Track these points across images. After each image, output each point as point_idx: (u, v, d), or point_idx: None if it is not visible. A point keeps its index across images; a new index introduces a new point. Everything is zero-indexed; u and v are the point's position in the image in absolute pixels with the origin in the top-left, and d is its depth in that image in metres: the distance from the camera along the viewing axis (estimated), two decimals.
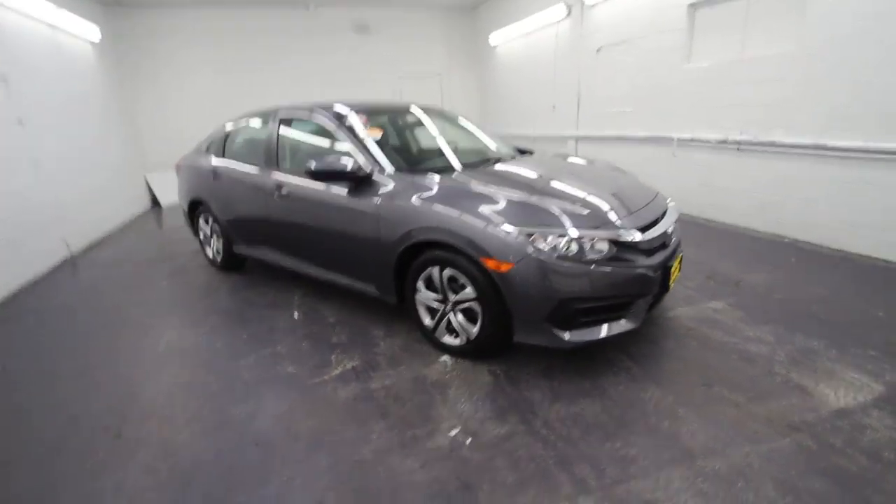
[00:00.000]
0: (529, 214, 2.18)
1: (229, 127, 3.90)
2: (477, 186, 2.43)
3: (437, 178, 2.56)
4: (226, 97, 8.03)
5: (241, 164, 3.58)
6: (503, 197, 2.30)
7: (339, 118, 2.97)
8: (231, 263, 4.05)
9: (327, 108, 3.08)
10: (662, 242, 2.36)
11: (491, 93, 9.29)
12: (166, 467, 1.85)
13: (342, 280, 3.00)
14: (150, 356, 2.76)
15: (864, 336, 2.47)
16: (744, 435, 1.83)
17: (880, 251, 3.44)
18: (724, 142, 4.50)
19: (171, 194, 7.76)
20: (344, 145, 2.87)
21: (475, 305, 2.29)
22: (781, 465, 1.68)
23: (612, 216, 2.24)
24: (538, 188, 2.47)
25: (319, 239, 3.01)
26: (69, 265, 4.69)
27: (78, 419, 2.20)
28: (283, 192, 3.10)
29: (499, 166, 2.90)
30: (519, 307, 2.13)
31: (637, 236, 2.19)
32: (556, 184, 2.55)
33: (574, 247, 2.09)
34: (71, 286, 4.10)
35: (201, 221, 4.13)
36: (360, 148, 2.79)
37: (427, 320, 2.57)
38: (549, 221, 2.13)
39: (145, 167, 7.81)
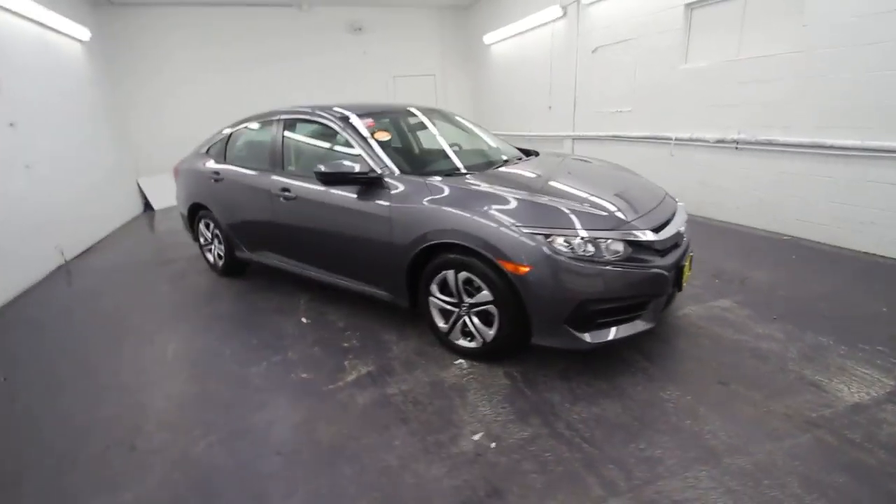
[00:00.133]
0: (545, 216, 2.18)
1: (231, 130, 3.84)
2: (490, 188, 2.42)
3: (448, 180, 2.55)
4: (218, 98, 7.93)
5: (244, 167, 3.53)
6: (517, 199, 2.30)
7: (347, 121, 2.94)
8: (233, 268, 3.99)
9: (333, 111, 3.05)
10: (675, 242, 2.38)
11: (485, 93, 9.30)
12: (186, 480, 1.81)
13: (351, 284, 2.97)
14: (157, 364, 2.71)
15: (870, 332, 2.52)
16: (764, 432, 1.86)
17: (880, 248, 3.51)
18: (722, 141, 4.56)
19: (163, 198, 7.67)
20: (352, 148, 2.85)
21: (492, 308, 2.28)
22: (804, 461, 1.70)
23: (627, 217, 2.25)
24: (551, 190, 2.47)
25: (328, 243, 2.98)
26: (64, 272, 4.58)
27: (88, 430, 2.15)
28: (290, 195, 3.07)
29: (509, 168, 2.90)
30: (538, 309, 2.13)
31: (652, 236, 2.21)
32: (568, 185, 2.55)
33: (591, 248, 2.09)
34: (68, 293, 4.01)
35: (201, 226, 4.07)
36: (369, 151, 2.77)
37: (441, 323, 2.56)
38: (566, 223, 2.14)
39: (137, 170, 7.67)
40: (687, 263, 2.44)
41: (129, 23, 7.24)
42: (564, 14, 6.50)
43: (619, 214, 2.25)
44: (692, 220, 4.84)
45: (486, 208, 2.26)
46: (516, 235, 2.12)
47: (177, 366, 2.68)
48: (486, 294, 2.27)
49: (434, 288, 2.49)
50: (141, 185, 7.59)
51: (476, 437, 1.92)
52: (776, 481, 1.62)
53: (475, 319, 2.39)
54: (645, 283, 2.16)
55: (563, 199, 2.32)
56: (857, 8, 3.38)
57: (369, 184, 2.67)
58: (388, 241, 2.58)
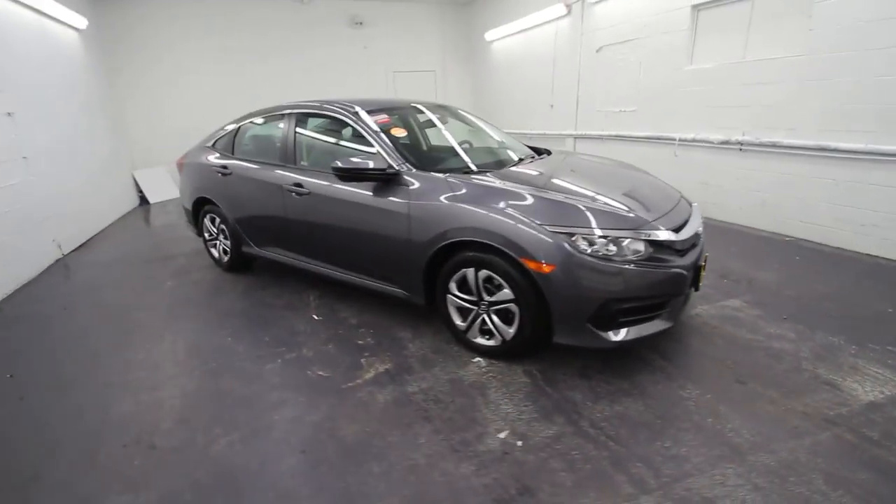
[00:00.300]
0: (568, 215, 2.19)
1: (239, 124, 3.78)
2: (511, 186, 2.43)
3: (468, 177, 2.54)
4: (217, 90, 7.83)
5: (253, 161, 3.48)
6: (539, 197, 2.31)
7: (362, 117, 2.92)
8: (238, 264, 3.94)
9: (348, 107, 3.03)
10: (693, 242, 2.41)
11: (486, 90, 9.29)
12: (211, 479, 1.79)
13: (365, 282, 2.96)
14: (169, 361, 2.67)
15: (879, 332, 2.57)
16: (785, 430, 1.89)
17: (882, 250, 3.58)
18: (726, 142, 4.61)
19: (160, 192, 7.56)
20: (368, 144, 2.83)
21: (512, 307, 2.28)
22: (826, 458, 1.74)
23: (648, 216, 2.27)
24: (572, 189, 2.48)
25: (341, 239, 2.96)
26: (61, 267, 4.49)
27: (103, 428, 2.12)
28: (303, 191, 3.03)
29: (525, 166, 2.90)
30: (561, 308, 2.14)
31: (673, 236, 2.23)
32: (590, 185, 2.56)
33: (613, 247, 2.10)
34: (69, 288, 3.93)
35: (207, 221, 4.01)
36: (386, 147, 2.75)
37: (458, 321, 2.55)
38: (589, 222, 2.14)
39: (133, 163, 7.53)
40: (703, 263, 2.47)
41: (126, 12, 7.09)
42: (569, 12, 6.51)
43: (641, 214, 2.27)
44: None
45: (507, 206, 2.26)
46: (540, 234, 2.12)
47: (190, 363, 2.65)
48: (507, 292, 2.27)
49: (452, 286, 2.49)
50: (137, 178, 7.46)
51: (502, 436, 1.92)
52: (801, 478, 1.65)
53: (495, 318, 2.39)
54: (666, 283, 2.17)
55: (585, 198, 2.33)
56: (864, 13, 3.43)
57: (386, 180, 2.65)
58: (406, 238, 2.56)
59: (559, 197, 2.32)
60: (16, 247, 3.98)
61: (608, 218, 2.18)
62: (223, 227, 3.84)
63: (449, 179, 2.51)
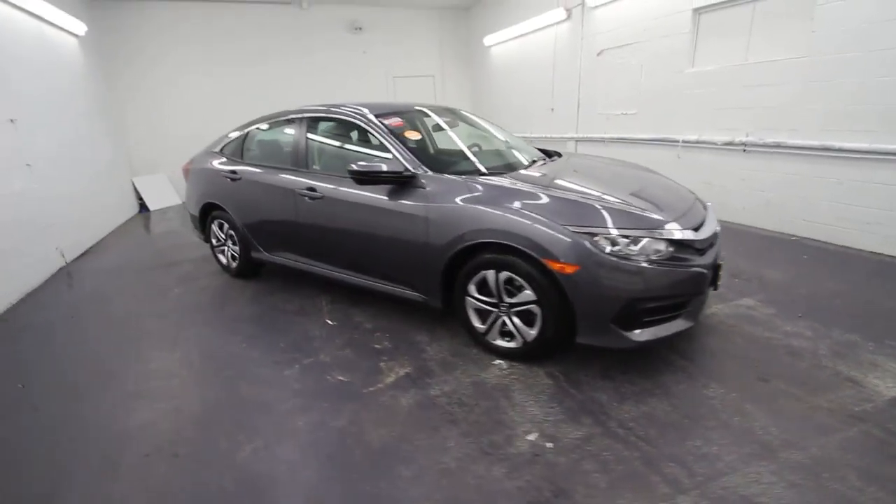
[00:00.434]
0: (589, 215, 2.19)
1: (247, 129, 3.76)
2: (529, 188, 2.43)
3: (484, 180, 2.54)
4: (217, 96, 7.81)
5: (264, 166, 3.47)
6: (559, 198, 2.32)
7: (376, 120, 2.92)
8: (247, 270, 3.91)
9: (361, 110, 3.02)
10: (711, 242, 2.42)
11: (485, 94, 9.33)
12: (239, 487, 1.76)
13: (380, 286, 2.94)
14: (184, 368, 2.64)
15: (893, 329, 2.59)
16: (813, 427, 1.89)
17: (885, 247, 3.62)
18: (730, 143, 4.66)
19: (160, 198, 7.50)
20: (382, 147, 2.82)
21: (534, 308, 2.28)
22: (857, 453, 1.74)
23: (668, 217, 2.27)
24: (590, 190, 2.47)
25: (356, 243, 2.95)
26: (65, 275, 4.43)
27: (123, 438, 2.08)
28: (316, 195, 3.02)
29: (541, 168, 2.91)
30: (585, 309, 2.14)
31: (693, 235, 2.24)
32: (607, 186, 2.57)
33: (635, 247, 2.11)
34: (75, 297, 3.87)
35: (214, 227, 3.97)
36: (401, 150, 2.75)
37: (478, 324, 2.54)
38: (611, 222, 2.15)
39: (132, 169, 7.46)
40: (721, 263, 2.48)
41: (125, 18, 7.05)
42: (569, 17, 6.56)
43: (660, 214, 2.28)
44: None
45: (528, 207, 2.26)
46: (563, 235, 2.13)
47: (205, 370, 2.61)
48: (528, 294, 2.27)
49: (472, 288, 2.48)
50: (136, 185, 7.39)
51: (531, 438, 1.91)
52: (835, 474, 1.65)
53: (516, 319, 2.38)
54: (687, 282, 2.18)
55: (605, 199, 2.33)
56: (867, 15, 3.49)
57: (403, 183, 2.64)
58: (424, 241, 2.56)
59: (579, 198, 2.33)
60: (20, 255, 3.92)
61: (629, 218, 2.19)
62: (232, 232, 3.81)
63: (468, 182, 2.51)
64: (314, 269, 3.32)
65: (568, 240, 2.12)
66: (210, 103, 7.76)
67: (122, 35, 7.10)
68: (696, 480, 1.66)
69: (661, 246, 2.15)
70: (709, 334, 2.66)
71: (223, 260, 4.06)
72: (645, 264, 2.09)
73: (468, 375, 2.39)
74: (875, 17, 3.44)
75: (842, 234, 3.91)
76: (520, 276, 2.27)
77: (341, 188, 2.92)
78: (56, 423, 2.24)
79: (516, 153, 3.35)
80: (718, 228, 2.53)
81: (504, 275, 2.33)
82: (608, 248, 2.09)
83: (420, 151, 2.90)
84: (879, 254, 3.67)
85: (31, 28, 4.79)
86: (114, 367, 2.70)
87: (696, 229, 2.31)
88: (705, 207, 2.70)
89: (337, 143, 3.25)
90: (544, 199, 2.32)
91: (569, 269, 2.11)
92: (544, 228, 2.16)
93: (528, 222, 2.21)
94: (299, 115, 3.33)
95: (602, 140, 6.38)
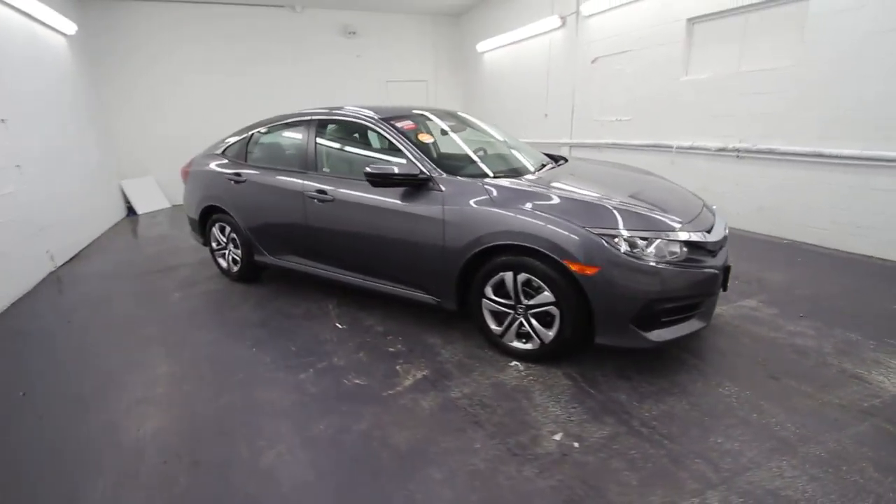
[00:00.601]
0: (607, 217, 2.23)
1: (251, 132, 3.72)
2: (545, 190, 2.46)
3: (499, 182, 2.56)
4: (207, 99, 7.71)
5: (270, 169, 3.43)
6: (576, 200, 2.36)
7: (388, 123, 2.92)
8: (249, 274, 3.85)
9: (373, 113, 3.02)
10: (721, 244, 2.48)
11: (477, 99, 9.41)
12: (269, 494, 1.73)
13: (391, 289, 2.93)
14: (194, 374, 2.58)
15: (892, 328, 2.70)
16: (827, 422, 1.96)
17: (878, 251, 3.77)
18: (723, 150, 4.80)
19: (148, 202, 7.35)
20: (395, 150, 2.83)
21: (553, 309, 2.31)
22: (871, 447, 1.81)
23: (682, 219, 2.33)
24: (604, 194, 2.51)
25: (367, 246, 2.93)
26: (55, 280, 4.29)
27: (136, 445, 2.02)
28: (326, 197, 3.00)
29: (552, 172, 2.95)
30: (605, 310, 2.17)
31: (707, 237, 2.30)
32: (619, 189, 2.61)
33: (652, 249, 2.16)
34: (71, 302, 3.75)
35: (215, 230, 3.91)
36: (414, 153, 2.75)
37: (494, 326, 2.56)
38: (628, 224, 2.19)
39: (119, 172, 7.28)
40: (730, 264, 2.55)
41: (115, 19, 6.91)
42: (563, 24, 6.68)
43: (676, 217, 2.33)
44: None
45: (546, 209, 2.30)
46: (582, 237, 2.16)
47: (216, 375, 2.56)
48: (547, 295, 2.29)
49: (488, 290, 2.49)
50: (124, 188, 7.21)
51: (557, 438, 1.93)
52: (853, 467, 1.71)
53: (533, 321, 2.40)
54: (702, 283, 2.24)
55: (620, 201, 2.38)
56: (858, 26, 3.65)
57: (418, 186, 2.65)
58: (440, 243, 2.56)
59: (595, 201, 2.36)
60: (10, 259, 3.79)
61: (645, 220, 2.24)
62: (234, 235, 3.75)
63: (484, 184, 2.53)
64: (321, 272, 3.29)
65: (588, 242, 2.15)
66: (201, 106, 7.65)
67: (111, 36, 6.95)
68: (722, 476, 1.70)
69: (677, 248, 2.21)
70: (716, 334, 2.73)
71: (223, 264, 4.00)
72: (662, 265, 2.14)
73: (486, 377, 2.40)
74: (865, 28, 3.60)
75: (835, 238, 4.05)
76: (538, 278, 2.30)
77: (353, 191, 2.91)
78: (63, 431, 2.17)
79: (523, 157, 3.38)
80: (727, 231, 2.59)
81: (522, 276, 2.35)
82: (627, 250, 2.13)
83: (434, 154, 2.91)
84: (872, 257, 3.81)
85: (21, 26, 4.66)
86: (118, 374, 2.63)
87: (707, 232, 2.37)
88: (712, 211, 2.77)
89: (347, 146, 3.24)
90: (561, 202, 2.35)
91: (589, 271, 2.14)
92: (564, 230, 2.19)
93: (548, 224, 2.23)
94: (307, 118, 3.31)
95: (596, 145, 6.49)
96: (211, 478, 1.82)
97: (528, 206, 2.34)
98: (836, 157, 3.90)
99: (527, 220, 2.29)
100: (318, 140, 3.22)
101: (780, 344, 2.59)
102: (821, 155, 4.00)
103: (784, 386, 2.22)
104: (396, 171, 2.59)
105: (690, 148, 5.14)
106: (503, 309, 2.48)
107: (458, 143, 3.31)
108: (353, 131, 3.23)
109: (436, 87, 9.67)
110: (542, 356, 2.46)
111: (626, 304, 2.14)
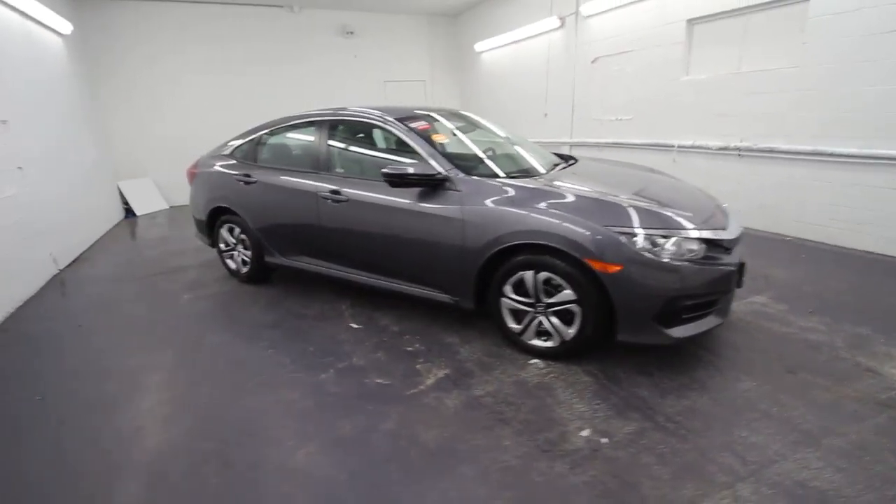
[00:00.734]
0: (628, 216, 2.26)
1: (259, 133, 3.70)
2: (564, 190, 2.49)
3: (517, 182, 2.59)
4: (205, 99, 7.66)
5: (281, 170, 3.42)
6: (595, 199, 2.39)
7: (404, 123, 2.93)
8: (259, 275, 3.84)
9: (387, 113, 3.03)
10: (736, 242, 2.53)
11: (475, 99, 9.44)
12: (302, 492, 1.73)
13: (407, 288, 2.94)
14: (213, 376, 2.57)
15: None
16: (846, 414, 2.00)
17: (878, 247, 3.85)
18: (725, 149, 4.87)
19: (147, 203, 7.28)
20: (410, 150, 2.83)
21: (573, 307, 2.33)
22: (891, 437, 1.86)
23: (700, 217, 2.37)
24: (622, 192, 2.54)
25: (383, 246, 2.94)
26: (59, 283, 4.23)
27: (164, 449, 2.01)
28: (341, 198, 3.00)
29: (566, 171, 2.98)
30: (627, 307, 2.20)
31: (724, 235, 2.34)
32: (635, 189, 2.64)
33: (673, 246, 2.19)
34: (77, 305, 3.71)
35: (224, 231, 3.88)
36: (431, 153, 2.77)
37: (513, 324, 2.58)
38: (648, 222, 2.22)
39: (117, 174, 7.19)
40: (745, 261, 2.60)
41: (111, 19, 6.83)
42: (562, 25, 6.73)
43: (693, 214, 2.37)
44: None
45: (566, 209, 2.32)
46: (604, 235, 2.19)
47: (237, 377, 2.55)
48: (568, 293, 2.32)
49: (508, 289, 2.51)
50: (122, 189, 7.12)
51: (585, 434, 1.96)
52: (876, 457, 1.76)
53: (553, 319, 2.43)
54: (721, 280, 2.28)
55: (638, 201, 2.41)
56: (856, 28, 3.73)
57: (435, 186, 2.66)
58: (459, 243, 2.58)
59: (614, 199, 2.39)
60: (14, 262, 3.73)
61: (664, 219, 2.27)
62: (243, 237, 3.74)
63: (503, 184, 2.55)
64: (335, 272, 3.29)
65: (609, 240, 2.18)
66: (198, 106, 7.58)
67: (107, 36, 6.86)
68: (750, 468, 1.74)
69: (695, 245, 2.24)
70: (730, 330, 2.77)
71: (232, 265, 3.97)
72: (683, 263, 2.17)
73: (508, 375, 2.42)
74: (864, 30, 3.68)
75: (835, 234, 4.14)
76: (559, 276, 2.32)
77: (368, 191, 2.91)
78: (87, 435, 2.15)
79: (534, 157, 3.40)
80: (742, 229, 2.64)
81: (543, 275, 2.38)
82: (648, 248, 2.17)
83: (449, 154, 2.92)
84: (872, 252, 3.90)
85: (18, 26, 4.58)
86: (136, 377, 2.61)
87: (723, 230, 2.41)
88: (724, 210, 2.82)
89: (361, 147, 3.24)
90: (580, 201, 2.38)
91: (612, 269, 2.17)
92: (586, 229, 2.22)
93: (569, 224, 2.26)
94: (319, 119, 3.30)
95: (597, 144, 6.55)
96: (243, 479, 1.82)
97: (547, 205, 2.37)
98: (836, 155, 3.98)
99: (548, 220, 2.31)
100: (331, 141, 3.22)
101: (793, 339, 2.65)
102: (821, 153, 4.08)
103: (801, 380, 2.27)
104: (414, 171, 2.60)
105: (692, 147, 5.21)
106: (523, 307, 2.51)
107: (468, 144, 3.33)
108: (366, 132, 3.24)
109: (433, 86, 9.68)
110: (561, 353, 2.48)
111: (649, 301, 2.17)
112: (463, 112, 3.85)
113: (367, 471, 1.82)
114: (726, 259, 2.33)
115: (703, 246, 2.26)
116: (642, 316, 2.20)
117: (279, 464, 1.89)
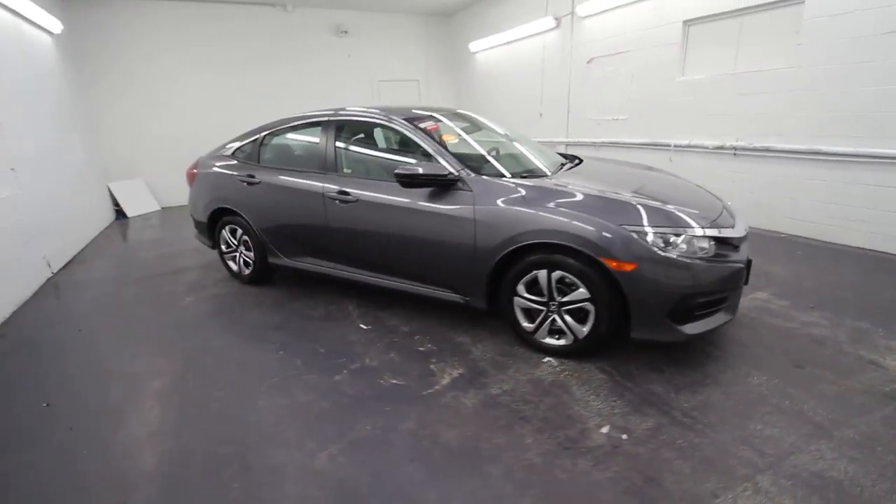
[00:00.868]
0: (641, 214, 2.29)
1: (262, 133, 3.66)
2: (576, 189, 2.51)
3: (529, 182, 2.61)
4: (198, 99, 7.55)
5: (286, 170, 3.39)
6: (608, 199, 2.42)
7: (413, 124, 2.93)
8: (261, 276, 3.80)
9: (396, 114, 3.03)
10: (743, 240, 2.58)
11: (469, 98, 9.45)
12: (326, 496, 1.73)
13: (417, 288, 2.94)
14: (224, 379, 2.54)
15: None
16: (855, 406, 2.06)
17: (871, 243, 3.96)
18: (720, 147, 4.95)
19: (138, 205, 7.15)
20: (421, 150, 2.84)
21: (587, 305, 2.36)
22: None
23: (709, 215, 2.42)
24: (632, 191, 2.57)
25: (392, 247, 2.94)
26: (53, 286, 4.14)
27: (181, 454, 1.98)
28: (349, 198, 2.99)
29: (574, 171, 3.01)
30: (641, 305, 2.24)
31: (734, 233, 2.39)
32: (644, 188, 2.68)
33: (685, 245, 2.23)
34: (75, 308, 3.63)
35: (226, 232, 3.84)
36: (443, 153, 2.77)
37: (526, 323, 2.60)
38: (661, 220, 2.26)
39: (107, 175, 7.04)
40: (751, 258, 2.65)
41: (102, 17, 6.69)
42: (558, 25, 6.78)
43: (702, 213, 2.41)
44: None
45: (579, 208, 2.35)
46: (618, 234, 2.22)
47: (248, 379, 2.52)
48: (582, 292, 2.34)
49: (521, 288, 2.53)
50: (113, 190, 6.99)
51: (604, 430, 1.98)
52: (887, 448, 1.81)
53: (567, 317, 2.45)
54: (731, 277, 2.32)
55: (648, 200, 2.44)
56: (850, 30, 3.82)
57: (446, 186, 2.67)
58: (471, 243, 2.59)
59: (625, 199, 2.43)
60: (8, 265, 3.64)
61: (675, 218, 2.31)
62: (246, 238, 3.70)
63: (516, 184, 2.56)
64: (341, 273, 3.27)
65: (623, 239, 2.21)
66: (190, 106, 7.48)
67: (98, 35, 6.72)
68: (767, 461, 1.78)
69: (706, 243, 2.28)
70: (735, 327, 2.83)
71: (234, 267, 3.93)
72: (695, 261, 2.21)
73: (522, 374, 2.44)
74: (858, 32, 3.77)
75: (829, 231, 4.24)
76: (573, 275, 2.35)
77: (377, 192, 2.91)
78: (98, 442, 2.11)
79: (539, 158, 3.42)
80: (748, 227, 2.69)
81: (557, 274, 2.40)
82: (660, 246, 2.20)
83: (458, 154, 2.92)
84: (865, 249, 4.01)
85: (10, 24, 4.47)
86: (143, 381, 2.56)
87: (731, 228, 2.46)
88: (730, 209, 2.87)
89: (369, 148, 3.22)
90: (593, 200, 2.41)
91: (626, 267, 2.20)
92: (600, 228, 2.25)
93: (583, 223, 2.28)
94: (325, 119, 3.28)
95: (593, 144, 6.61)
96: (266, 482, 1.80)
97: (560, 204, 2.39)
98: (830, 154, 4.08)
99: (562, 220, 2.33)
100: (338, 142, 3.20)
101: (797, 334, 2.71)
102: (815, 152, 4.18)
103: (808, 374, 2.32)
104: (426, 171, 2.60)
105: (688, 146, 5.29)
106: (536, 306, 2.53)
107: (474, 144, 3.33)
108: (373, 132, 3.23)
109: (427, 86, 9.67)
110: (574, 351, 2.51)
111: (662, 298, 2.21)
112: (464, 112, 3.85)
113: (391, 471, 1.82)
114: (735, 256, 2.38)
115: (714, 244, 2.30)
116: (656, 313, 2.24)
117: (300, 466, 1.87)
